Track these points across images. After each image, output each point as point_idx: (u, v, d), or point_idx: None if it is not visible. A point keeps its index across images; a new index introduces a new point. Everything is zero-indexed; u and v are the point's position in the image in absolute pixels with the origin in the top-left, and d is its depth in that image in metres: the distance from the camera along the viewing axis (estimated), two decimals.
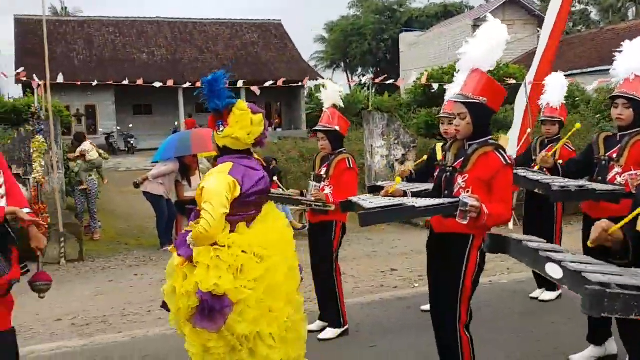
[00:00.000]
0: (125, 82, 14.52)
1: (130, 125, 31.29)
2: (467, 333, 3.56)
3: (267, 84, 14.48)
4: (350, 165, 5.11)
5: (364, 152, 13.43)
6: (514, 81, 13.66)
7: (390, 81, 14.37)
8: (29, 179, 9.55)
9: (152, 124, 32.60)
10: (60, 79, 11.61)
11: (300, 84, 31.52)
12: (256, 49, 35.42)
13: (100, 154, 11.08)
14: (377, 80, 15.43)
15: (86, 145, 10.81)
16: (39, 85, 10.74)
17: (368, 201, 3.44)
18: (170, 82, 14.00)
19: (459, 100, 3.49)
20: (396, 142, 12.69)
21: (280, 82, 14.45)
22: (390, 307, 6.07)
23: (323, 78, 35.37)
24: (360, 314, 5.78)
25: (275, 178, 10.38)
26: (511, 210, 3.48)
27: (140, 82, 13.60)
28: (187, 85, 23.78)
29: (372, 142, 12.96)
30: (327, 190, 5.04)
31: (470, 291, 3.51)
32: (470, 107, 3.45)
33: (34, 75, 10.62)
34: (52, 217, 8.77)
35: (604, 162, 4.26)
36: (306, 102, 35.43)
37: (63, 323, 6.09)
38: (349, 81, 41.75)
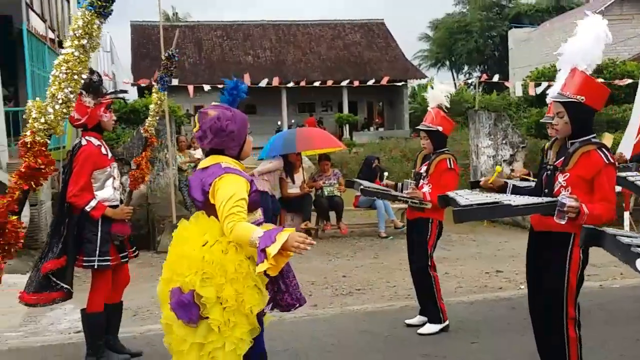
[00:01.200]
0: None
1: None
2: (576, 331, 3.51)
3: (369, 83, 14.50)
4: (450, 165, 5.12)
5: (469, 152, 13.22)
6: (631, 80, 13.00)
7: (496, 79, 14.07)
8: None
9: (256, 123, 33.41)
10: (174, 82, 12.23)
11: (403, 83, 31.46)
12: (359, 49, 35.59)
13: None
14: (483, 79, 15.15)
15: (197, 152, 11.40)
16: (153, 85, 11.36)
17: (464, 197, 3.44)
18: (275, 82, 14.34)
19: (556, 100, 3.50)
20: (504, 142, 12.40)
21: (383, 82, 14.46)
22: (494, 306, 6.00)
23: (426, 77, 35.04)
24: (463, 312, 5.76)
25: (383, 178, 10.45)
26: (614, 210, 3.38)
27: (246, 83, 14.00)
28: (291, 85, 24.34)
29: (477, 141, 12.72)
30: (426, 189, 5.08)
31: (576, 289, 3.47)
32: (567, 106, 3.43)
33: (152, 79, 11.27)
34: (167, 210, 9.28)
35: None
36: (409, 102, 35.22)
37: None
38: (454, 80, 41.10)
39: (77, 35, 1.86)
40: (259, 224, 3.18)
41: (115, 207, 4.58)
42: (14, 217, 1.77)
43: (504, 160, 12.27)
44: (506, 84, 14.40)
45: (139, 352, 4.85)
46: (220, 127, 3.13)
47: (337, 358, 4.89)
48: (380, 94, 34.43)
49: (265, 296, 3.07)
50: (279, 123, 31.14)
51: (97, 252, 4.44)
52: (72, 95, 1.85)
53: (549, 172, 3.58)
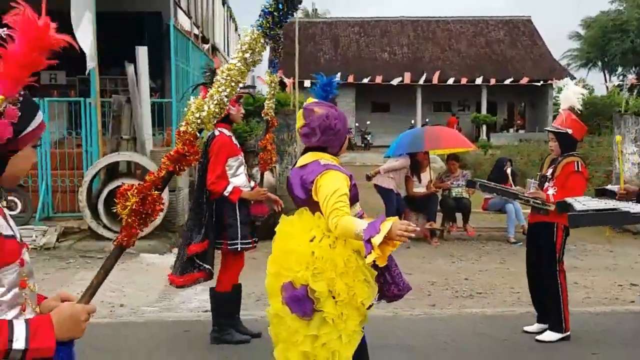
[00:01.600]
0: (365, 80, 15.09)
1: (368, 122, 32.52)
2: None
3: (509, 81, 14.04)
4: (578, 168, 4.92)
5: (613, 159, 12.43)
6: None
7: None
8: (275, 167, 10.52)
9: (388, 121, 33.54)
10: (307, 82, 12.58)
11: (547, 83, 30.07)
12: (501, 47, 34.49)
13: None
14: (632, 81, 14.15)
15: None
16: (289, 79, 11.76)
17: (582, 203, 3.32)
18: (408, 79, 14.29)
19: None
20: None
21: (522, 81, 13.93)
22: (623, 319, 5.66)
23: (575, 78, 33.26)
24: (587, 322, 5.50)
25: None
26: None
27: (379, 80, 14.08)
28: (426, 82, 24.02)
29: (622, 148, 11.92)
30: (551, 192, 4.90)
31: None
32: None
33: (282, 76, 11.66)
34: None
35: None
36: (554, 103, 33.62)
37: None
38: (605, 82, 38.70)
39: (242, 49, 2.12)
40: (359, 217, 3.23)
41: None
42: (156, 192, 2.01)
43: None
44: None
45: (258, 334, 5.08)
46: (329, 126, 3.20)
47: (451, 357, 4.87)
48: (522, 94, 33.16)
49: (374, 289, 3.13)
50: (413, 122, 30.90)
51: (239, 235, 4.76)
52: (226, 99, 2.08)
53: None
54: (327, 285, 3.02)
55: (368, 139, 31.12)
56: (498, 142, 26.57)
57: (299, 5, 2.19)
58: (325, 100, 3.47)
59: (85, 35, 8.83)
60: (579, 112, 5.14)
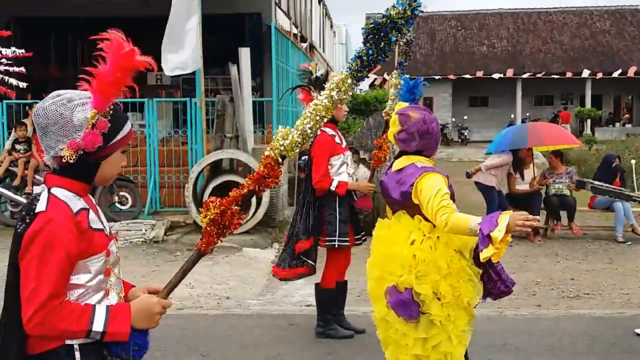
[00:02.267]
0: (467, 75, 14.84)
1: (465, 117, 31.89)
2: None
3: (615, 74, 13.40)
4: None
5: None
6: None
7: None
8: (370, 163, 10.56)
9: (486, 116, 32.74)
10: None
11: None
12: (607, 38, 32.86)
13: None
14: None
15: None
16: (384, 79, 11.74)
17: None
18: (509, 73, 13.92)
19: None
20: None
21: (629, 73, 13.26)
22: None
23: None
24: None
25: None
26: None
27: (479, 74, 13.81)
28: (527, 76, 23.32)
29: None
30: None
31: None
32: None
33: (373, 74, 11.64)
34: None
35: None
36: None
37: None
38: None
39: (330, 87, 2.27)
40: None
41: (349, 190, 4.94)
42: (236, 207, 2.16)
43: None
44: None
45: (362, 330, 5.14)
46: (427, 130, 3.19)
47: (557, 357, 4.73)
48: (629, 87, 31.44)
49: (479, 288, 3.09)
50: (512, 116, 30.01)
51: (337, 232, 4.85)
52: (310, 132, 2.23)
53: None
54: (431, 287, 3.02)
55: (465, 134, 30.53)
56: (603, 137, 25.31)
57: (388, 52, 2.26)
58: (411, 102, 3.47)
59: (191, 38, 9.21)
60: None
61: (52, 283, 1.82)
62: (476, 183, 9.91)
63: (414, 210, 3.12)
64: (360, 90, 14.63)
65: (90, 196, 2.04)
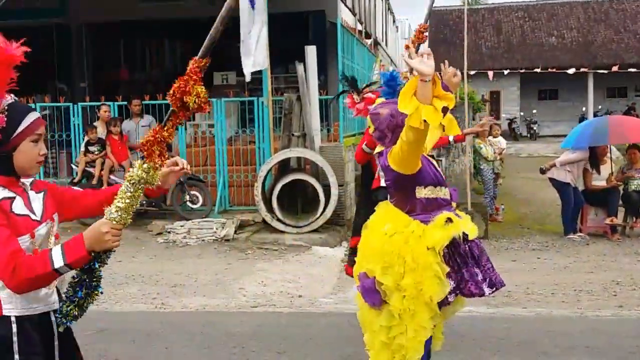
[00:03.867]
0: (537, 69, 14.43)
1: (534, 111, 31.05)
2: None
3: None
4: None
5: None
6: None
7: None
8: (441, 160, 10.42)
9: (556, 109, 31.78)
10: (471, 72, 12.27)
11: None
12: None
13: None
14: None
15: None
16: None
17: None
18: (580, 66, 13.45)
19: None
20: None
21: None
22: None
23: None
24: None
25: None
26: None
27: (551, 69, 13.41)
28: (599, 70, 22.49)
29: None
30: None
31: None
32: None
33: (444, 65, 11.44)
34: (462, 196, 9.41)
35: None
36: None
37: None
38: None
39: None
40: (444, 204, 3.23)
41: None
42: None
43: None
44: None
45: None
46: (397, 124, 3.17)
47: None
48: None
49: (445, 285, 3.08)
50: (584, 109, 28.99)
51: None
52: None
53: None
54: (394, 279, 3.09)
55: (534, 128, 29.72)
56: None
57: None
58: (393, 95, 3.45)
59: (260, 37, 9.29)
60: None
61: (7, 244, 2.07)
62: (550, 179, 9.63)
63: (399, 189, 3.20)
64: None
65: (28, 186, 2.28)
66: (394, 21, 27.29)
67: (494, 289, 3.23)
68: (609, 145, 9.51)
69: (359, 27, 14.92)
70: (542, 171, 9.81)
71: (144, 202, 9.99)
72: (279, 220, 9.03)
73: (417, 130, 2.80)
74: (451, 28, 32.47)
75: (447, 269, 3.10)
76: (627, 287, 6.68)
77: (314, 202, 9.11)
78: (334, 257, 8.22)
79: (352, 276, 5.10)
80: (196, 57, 2.27)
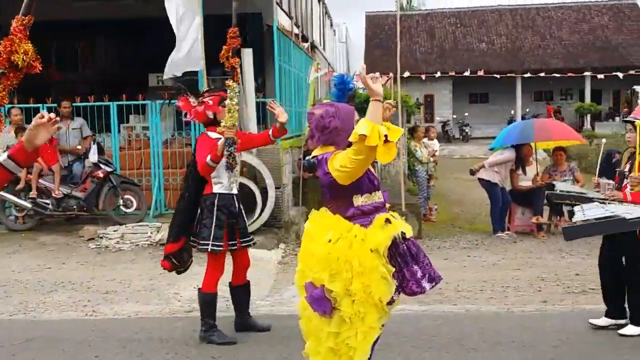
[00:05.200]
0: (466, 73, 14.86)
1: (466, 114, 31.91)
2: None
3: (617, 72, 13.42)
4: None
5: None
6: None
7: None
8: (376, 162, 10.58)
9: (487, 112, 32.76)
10: (406, 74, 12.52)
11: None
12: (606, 33, 32.87)
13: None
14: None
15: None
16: (388, 79, 11.76)
17: (584, 211, 3.29)
18: (509, 72, 13.96)
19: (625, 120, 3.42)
20: None
21: (632, 70, 13.27)
22: None
23: None
24: None
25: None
26: None
27: (480, 72, 13.84)
28: (527, 74, 23.31)
29: None
30: (629, 189, 4.66)
31: None
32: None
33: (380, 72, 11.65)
34: (396, 197, 9.61)
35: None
36: None
37: None
38: None
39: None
40: (379, 207, 3.32)
41: (229, 195, 5.02)
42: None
43: None
44: None
45: (267, 327, 5.32)
46: (324, 125, 3.30)
47: (566, 355, 4.77)
48: (629, 82, 31.47)
49: (392, 285, 3.20)
50: (513, 112, 30.00)
51: (211, 236, 4.91)
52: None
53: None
54: (343, 285, 3.16)
55: (466, 130, 30.54)
56: (603, 132, 25.30)
57: None
58: (341, 98, 3.57)
59: (192, 39, 9.22)
60: None
61: None
62: (480, 180, 9.96)
63: (335, 194, 3.26)
64: (363, 89, 14.64)
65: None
66: (331, 25, 27.52)
67: (434, 283, 3.34)
68: (534, 147, 9.91)
69: (296, 30, 15.00)
70: (472, 172, 10.14)
71: (75, 206, 9.75)
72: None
73: (372, 149, 2.93)
74: (386, 33, 33.00)
75: (393, 269, 3.20)
76: (552, 283, 6.99)
77: (251, 205, 9.11)
78: (271, 259, 8.24)
79: (166, 269, 5.21)
80: (18, 16, 2.26)
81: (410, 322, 5.54)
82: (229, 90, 4.88)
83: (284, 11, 13.99)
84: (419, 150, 11.43)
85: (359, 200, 3.28)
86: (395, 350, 4.86)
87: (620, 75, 20.65)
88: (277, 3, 12.75)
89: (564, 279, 7.13)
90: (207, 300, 5.11)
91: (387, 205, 3.46)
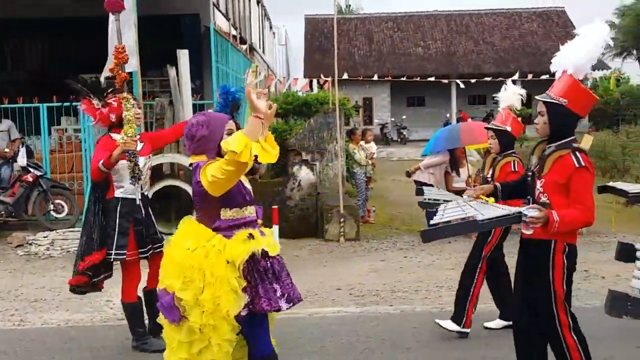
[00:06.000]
0: (403, 78, 15.10)
1: (404, 117, 32.41)
2: (573, 337, 3.45)
3: (544, 76, 13.90)
4: (514, 168, 5.09)
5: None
6: None
7: None
8: (315, 165, 10.62)
9: (424, 115, 33.37)
10: (345, 76, 12.61)
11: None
12: (535, 39, 34.02)
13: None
14: None
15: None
16: (325, 81, 11.83)
17: (441, 213, 3.45)
18: (444, 75, 14.27)
19: (539, 99, 3.56)
20: None
21: (557, 73, 13.72)
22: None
23: (610, 68, 32.61)
24: None
25: None
26: (590, 212, 3.34)
27: (416, 77, 14.09)
28: (460, 79, 23.86)
29: None
30: None
31: (564, 295, 3.43)
32: (549, 106, 3.51)
33: (321, 75, 11.71)
34: (335, 200, 9.66)
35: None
36: None
37: (342, 292, 6.83)
38: None
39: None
40: (249, 222, 3.31)
41: (132, 200, 4.81)
42: None
43: None
44: None
45: None
46: (192, 134, 3.30)
47: (498, 347, 4.88)
48: None
49: (241, 299, 3.15)
50: (448, 115, 30.70)
51: (115, 245, 4.74)
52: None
53: (529, 178, 3.62)
54: (194, 294, 3.12)
55: (404, 133, 31.04)
56: (534, 135, 26.23)
57: None
58: (225, 108, 3.61)
59: (128, 39, 9.03)
60: (517, 111, 5.39)
61: None
62: (415, 182, 10.12)
63: (204, 205, 3.23)
64: (302, 93, 14.66)
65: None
66: (270, 27, 27.48)
67: (292, 304, 3.31)
68: (464, 149, 10.16)
69: (234, 32, 14.91)
70: (408, 174, 10.31)
71: (3, 212, 9.39)
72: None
73: (243, 165, 2.91)
74: (326, 36, 33.17)
75: (244, 283, 3.17)
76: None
77: (189, 209, 8.97)
78: None
79: (72, 287, 4.90)
80: None
81: (347, 324, 5.58)
82: (124, 102, 4.72)
83: (222, 12, 13.89)
84: (357, 153, 11.54)
85: (227, 214, 3.26)
86: (330, 352, 4.88)
87: (548, 77, 21.41)
88: (214, 4, 12.65)
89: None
90: (131, 310, 4.94)
91: (259, 222, 3.45)
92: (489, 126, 5.37)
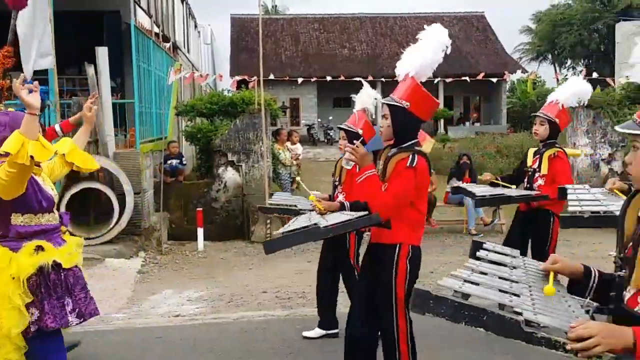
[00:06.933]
0: (328, 78, 15.17)
1: (330, 118, 32.61)
2: (408, 343, 3.48)
3: (465, 78, 14.29)
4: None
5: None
6: None
7: (595, 75, 13.45)
8: (241, 166, 10.51)
9: (349, 115, 33.68)
10: (271, 76, 12.52)
11: (501, 78, 30.66)
12: (457, 42, 34.93)
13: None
14: (583, 75, 14.51)
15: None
16: (251, 81, 11.72)
17: (292, 222, 3.53)
18: (369, 77, 14.43)
19: (384, 102, 3.58)
20: (603, 140, 11.93)
21: (480, 76, 14.17)
22: None
23: (527, 71, 33.93)
24: None
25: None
26: (386, 206, 3.37)
27: (342, 77, 14.18)
28: (383, 78, 24.21)
29: (575, 139, 12.31)
30: (340, 197, 4.99)
31: (404, 301, 3.41)
32: (392, 109, 3.50)
33: (247, 76, 11.59)
34: (261, 201, 9.58)
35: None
36: (507, 96, 34.30)
37: (268, 295, 6.77)
38: (556, 74, 39.69)
39: None
40: (48, 230, 3.18)
41: None
42: None
43: (602, 159, 11.88)
44: (607, 80, 13.68)
45: (77, 343, 4.73)
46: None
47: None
48: (477, 88, 33.73)
49: (25, 317, 3.01)
50: (373, 117, 31.15)
51: None
52: None
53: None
54: None
55: (331, 134, 31.22)
56: (455, 136, 26.98)
57: None
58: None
59: (43, 34, 8.66)
60: (372, 116, 5.36)
61: None
62: None
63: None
64: (228, 91, 14.47)
65: None
66: (195, 26, 27.00)
67: (83, 319, 3.19)
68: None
69: (156, 29, 14.55)
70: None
71: None
72: (69, 232, 8.44)
73: (22, 166, 2.77)
74: (252, 36, 32.92)
75: (30, 299, 3.02)
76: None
77: (108, 212, 8.68)
78: (130, 268, 7.90)
79: None
80: None
81: (272, 327, 5.52)
82: None
83: (143, 9, 13.52)
84: (282, 153, 11.49)
85: (18, 220, 3.08)
86: (255, 357, 4.82)
87: (468, 79, 22.09)
88: (135, 1, 12.29)
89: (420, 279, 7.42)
90: None
91: (63, 229, 3.32)
92: (340, 126, 5.17)
